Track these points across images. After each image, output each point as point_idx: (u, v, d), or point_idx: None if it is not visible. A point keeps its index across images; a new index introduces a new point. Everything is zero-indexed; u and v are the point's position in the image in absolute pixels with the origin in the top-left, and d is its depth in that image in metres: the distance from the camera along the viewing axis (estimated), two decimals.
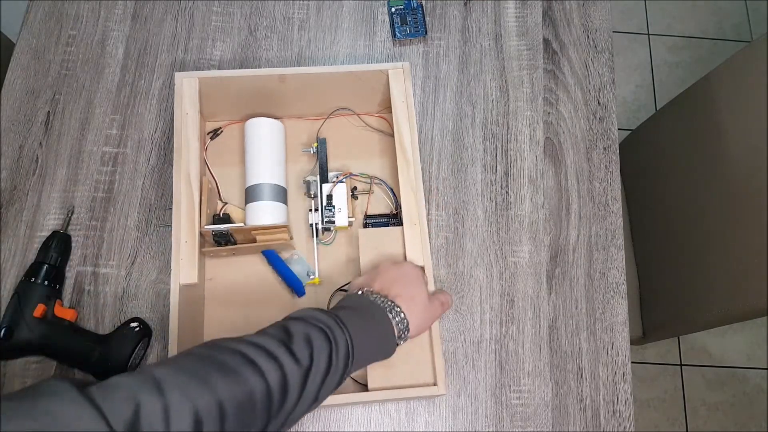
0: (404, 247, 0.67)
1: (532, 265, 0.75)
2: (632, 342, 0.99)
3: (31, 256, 0.72)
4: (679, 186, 1.01)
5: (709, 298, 0.91)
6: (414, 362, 0.64)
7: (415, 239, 0.67)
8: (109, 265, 0.73)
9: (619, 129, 0.83)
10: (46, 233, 0.73)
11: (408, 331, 0.57)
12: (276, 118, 0.75)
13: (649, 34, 1.85)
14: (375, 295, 0.58)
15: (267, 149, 0.73)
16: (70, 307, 0.70)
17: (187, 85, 0.71)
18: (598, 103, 0.83)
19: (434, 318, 0.62)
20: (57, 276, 0.69)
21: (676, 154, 1.03)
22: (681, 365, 1.53)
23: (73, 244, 0.73)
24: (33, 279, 0.68)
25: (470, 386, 0.70)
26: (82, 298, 0.71)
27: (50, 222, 0.74)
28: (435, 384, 0.63)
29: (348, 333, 0.52)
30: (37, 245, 0.72)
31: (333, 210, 0.72)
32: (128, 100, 0.80)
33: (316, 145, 0.76)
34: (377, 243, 0.69)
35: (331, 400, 0.56)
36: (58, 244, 0.71)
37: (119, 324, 0.70)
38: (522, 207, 0.78)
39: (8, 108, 0.79)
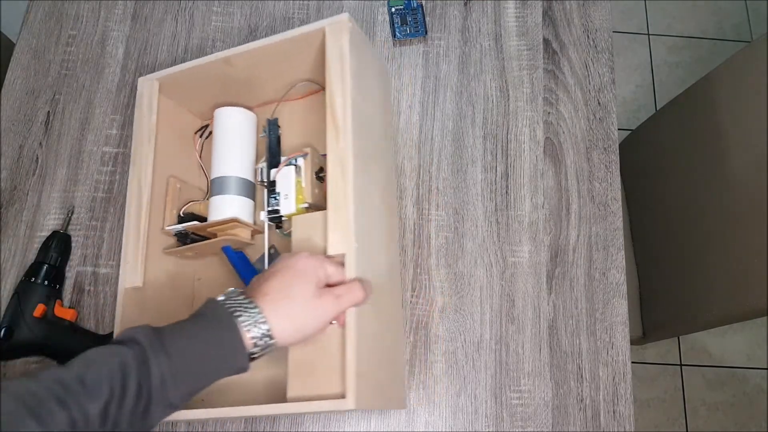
0: (326, 235, 0.56)
1: (532, 265, 0.75)
2: (632, 342, 0.99)
3: (31, 256, 0.72)
4: (679, 186, 1.01)
5: (709, 298, 0.91)
6: (333, 369, 0.53)
7: (338, 223, 0.55)
8: (109, 265, 0.73)
9: (619, 129, 0.83)
10: (46, 233, 0.73)
11: (271, 338, 0.50)
12: (250, 107, 0.71)
13: (649, 34, 1.85)
14: (233, 300, 0.51)
15: (233, 140, 0.68)
16: (70, 307, 0.70)
17: (147, 88, 0.69)
18: (598, 103, 0.83)
19: (324, 317, 0.52)
20: (57, 276, 0.70)
21: (676, 154, 1.03)
22: (681, 365, 1.53)
23: (73, 244, 0.73)
24: (33, 279, 0.68)
25: (470, 386, 0.70)
26: (82, 298, 0.71)
27: (50, 222, 0.74)
28: (343, 397, 0.51)
29: (165, 358, 0.46)
30: (37, 245, 0.72)
31: (278, 197, 0.64)
32: (128, 100, 0.80)
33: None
34: (307, 228, 0.59)
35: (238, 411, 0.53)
36: (58, 244, 0.71)
37: None
38: (522, 207, 0.78)
39: (8, 108, 0.79)
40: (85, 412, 0.43)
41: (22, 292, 0.67)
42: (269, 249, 0.67)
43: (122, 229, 0.74)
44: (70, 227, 0.74)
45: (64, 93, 0.80)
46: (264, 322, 0.49)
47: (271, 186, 0.64)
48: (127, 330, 0.49)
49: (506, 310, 0.73)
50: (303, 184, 0.64)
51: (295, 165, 0.65)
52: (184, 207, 0.69)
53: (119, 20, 0.84)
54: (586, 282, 0.75)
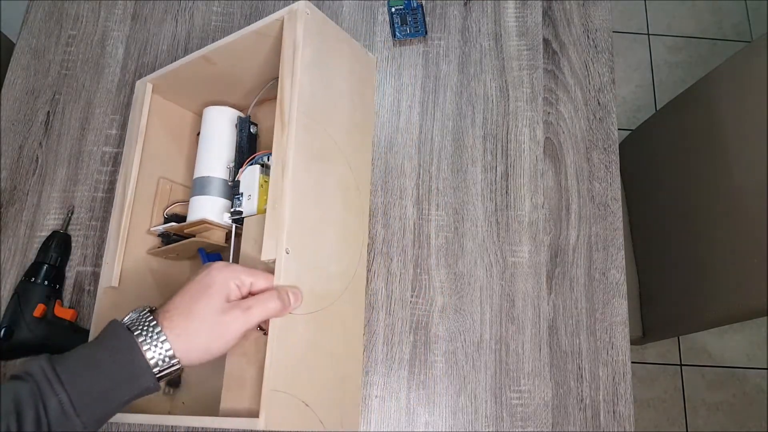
0: (261, 244, 0.52)
1: (532, 265, 0.75)
2: (632, 342, 0.99)
3: (31, 256, 0.72)
4: (679, 186, 1.01)
5: (709, 298, 0.91)
6: (256, 383, 0.50)
7: (273, 227, 0.52)
8: None
9: (619, 129, 0.83)
10: (46, 233, 0.73)
11: (173, 358, 0.47)
12: (241, 107, 0.70)
13: (649, 34, 1.85)
14: (139, 319, 0.49)
15: (216, 140, 0.66)
16: (70, 307, 0.70)
17: (141, 89, 0.69)
18: (598, 103, 0.83)
19: (230, 333, 0.49)
20: (57, 276, 0.70)
21: (676, 154, 1.03)
22: (681, 365, 1.53)
23: (73, 244, 0.73)
24: (33, 279, 0.68)
25: (470, 386, 0.70)
26: (82, 298, 0.71)
27: (50, 222, 0.74)
28: (257, 416, 0.48)
29: (61, 388, 0.44)
30: (37, 245, 0.72)
31: (241, 198, 0.61)
32: (128, 100, 0.80)
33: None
34: (257, 231, 0.56)
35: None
36: (58, 244, 0.71)
37: None
38: (522, 207, 0.78)
39: (8, 108, 0.79)
40: None
41: (22, 292, 0.67)
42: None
43: None
44: (70, 227, 0.74)
45: (64, 93, 0.80)
46: (164, 341, 0.47)
47: (235, 186, 0.61)
48: (26, 362, 0.48)
49: (506, 310, 0.73)
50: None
51: (261, 164, 0.61)
52: (168, 208, 0.69)
53: (119, 20, 0.84)
54: (586, 282, 0.75)
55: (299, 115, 0.54)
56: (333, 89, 0.63)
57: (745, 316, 0.85)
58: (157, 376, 0.48)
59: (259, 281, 0.51)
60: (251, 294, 0.51)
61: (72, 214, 0.75)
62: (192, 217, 0.64)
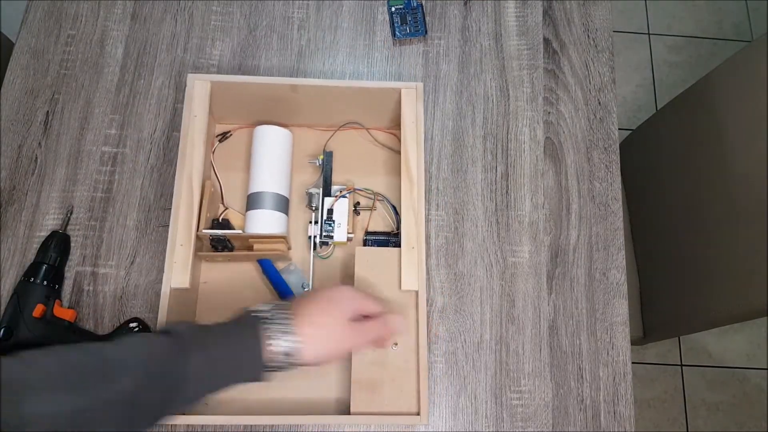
0: (399, 270, 0.66)
1: (533, 265, 0.75)
2: (632, 342, 0.99)
3: (31, 256, 0.72)
4: (679, 186, 1.01)
5: (709, 298, 0.91)
6: (398, 388, 0.62)
7: (410, 263, 0.66)
8: (109, 265, 0.73)
9: (619, 129, 0.82)
10: (45, 233, 0.73)
11: (295, 353, 0.53)
12: (285, 125, 0.75)
13: (649, 34, 1.84)
14: (275, 311, 0.55)
15: (273, 158, 0.72)
16: (69, 308, 0.70)
17: (199, 87, 0.71)
18: (599, 102, 0.83)
19: (345, 348, 0.58)
20: (56, 276, 0.69)
21: (676, 154, 1.02)
22: (681, 365, 1.53)
23: (72, 244, 0.73)
24: (32, 279, 0.67)
25: (470, 386, 0.70)
26: (81, 298, 0.71)
27: (49, 222, 0.74)
28: (418, 414, 0.61)
29: (201, 353, 0.50)
30: (36, 245, 0.72)
31: (333, 225, 0.71)
32: (127, 100, 0.80)
33: (322, 157, 0.75)
34: (373, 262, 0.67)
35: (310, 419, 0.63)
36: (58, 244, 0.71)
37: (118, 324, 0.70)
38: (522, 207, 0.77)
39: (7, 108, 0.79)
40: (112, 388, 0.46)
41: (21, 293, 0.67)
42: (288, 265, 0.73)
43: (122, 229, 0.74)
44: (69, 227, 0.74)
45: (63, 93, 0.80)
46: (293, 335, 0.53)
47: (329, 214, 0.72)
48: (171, 324, 0.54)
49: (506, 310, 0.73)
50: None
51: (345, 197, 0.72)
52: (222, 213, 0.73)
53: (118, 20, 0.84)
54: (587, 282, 0.75)
55: (419, 174, 0.69)
56: None
57: (745, 316, 0.84)
58: (271, 368, 0.53)
59: (373, 306, 0.59)
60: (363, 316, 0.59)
61: (71, 214, 0.74)
62: (253, 228, 0.69)
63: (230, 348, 0.52)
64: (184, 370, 0.50)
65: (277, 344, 0.52)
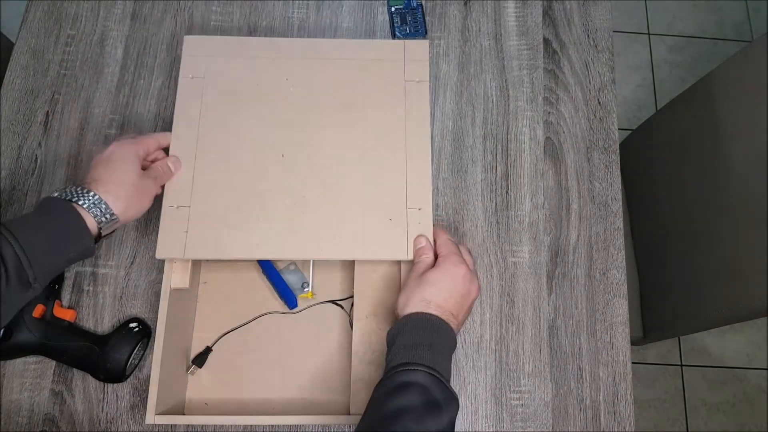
0: (399, 271, 0.67)
1: (533, 266, 0.75)
2: (633, 342, 0.99)
3: None
4: (679, 186, 1.01)
5: (709, 298, 0.91)
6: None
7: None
8: (108, 266, 0.73)
9: (619, 129, 0.82)
10: None
11: (113, 215, 0.58)
12: None
13: (649, 34, 1.84)
14: (69, 191, 0.58)
15: None
16: (69, 308, 0.70)
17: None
18: (599, 102, 0.83)
19: (152, 194, 0.63)
20: (56, 276, 0.69)
21: (676, 154, 1.02)
22: (681, 365, 1.53)
23: None
24: None
25: (470, 386, 0.70)
26: (81, 299, 0.71)
27: None
28: None
29: (14, 240, 0.53)
30: None
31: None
32: (127, 100, 0.80)
33: None
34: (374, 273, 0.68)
35: (310, 419, 0.63)
36: None
37: (118, 324, 0.70)
38: (522, 207, 0.77)
39: (7, 108, 0.79)
40: None
41: None
42: (288, 265, 0.72)
43: (122, 229, 0.74)
44: None
45: (63, 93, 0.80)
46: (102, 202, 0.58)
47: None
48: None
49: (506, 310, 0.73)
50: None
51: None
52: None
53: (118, 20, 0.84)
54: (587, 282, 0.75)
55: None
56: None
57: (745, 316, 0.84)
58: (100, 233, 0.58)
59: (151, 144, 0.65)
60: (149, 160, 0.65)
61: None
62: None
63: (56, 229, 0.56)
64: (10, 258, 0.52)
65: (93, 211, 0.57)
